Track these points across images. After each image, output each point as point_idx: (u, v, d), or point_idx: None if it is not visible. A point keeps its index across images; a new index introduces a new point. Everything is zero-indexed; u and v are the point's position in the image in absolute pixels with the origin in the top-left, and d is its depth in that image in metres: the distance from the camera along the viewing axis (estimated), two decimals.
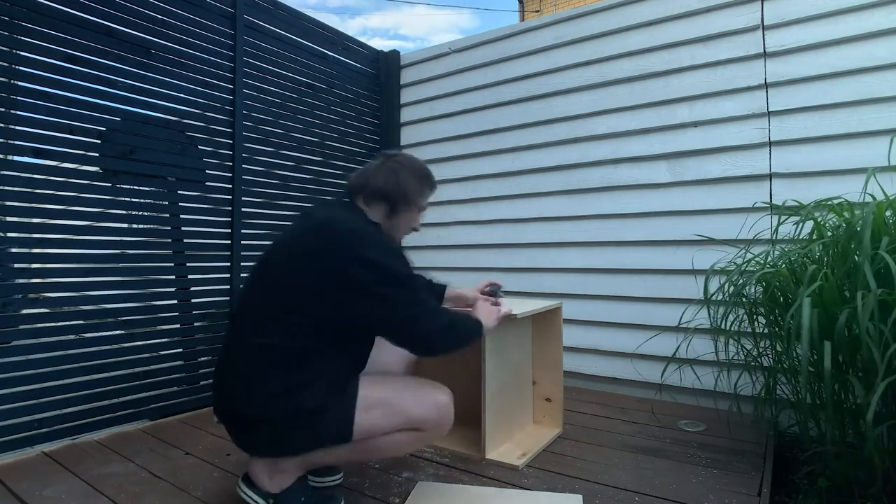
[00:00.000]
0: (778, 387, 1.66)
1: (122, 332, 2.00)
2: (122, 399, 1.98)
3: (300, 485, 1.29)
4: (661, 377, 2.02)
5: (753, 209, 2.14)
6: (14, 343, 1.74)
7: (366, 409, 1.23)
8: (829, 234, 1.55)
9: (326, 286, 1.19)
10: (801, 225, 1.72)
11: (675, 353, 1.97)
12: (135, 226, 2.07)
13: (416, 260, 3.25)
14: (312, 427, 1.20)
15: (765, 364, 1.71)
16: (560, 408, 1.93)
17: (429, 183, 1.45)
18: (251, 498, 1.25)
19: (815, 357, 1.33)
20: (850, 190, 1.72)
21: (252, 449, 1.27)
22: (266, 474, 1.26)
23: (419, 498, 1.40)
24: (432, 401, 1.29)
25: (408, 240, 3.43)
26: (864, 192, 1.51)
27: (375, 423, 1.23)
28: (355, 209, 1.37)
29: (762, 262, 1.71)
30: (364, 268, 1.18)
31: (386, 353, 1.47)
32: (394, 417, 1.24)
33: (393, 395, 1.27)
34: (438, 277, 3.23)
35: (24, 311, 1.78)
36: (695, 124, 2.34)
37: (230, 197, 2.36)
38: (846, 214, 1.50)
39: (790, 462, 1.74)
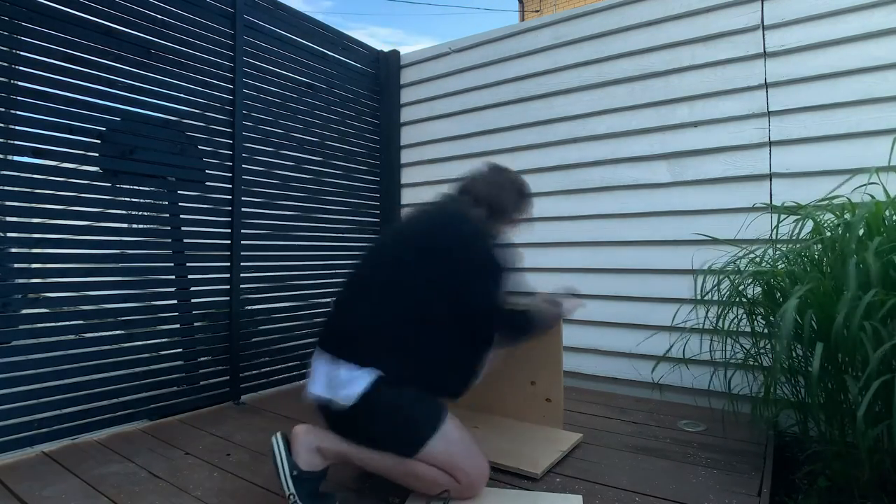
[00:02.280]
0: (777, 386, 1.66)
1: (122, 332, 2.00)
2: (122, 399, 1.98)
3: (321, 474, 1.32)
4: (652, 373, 2.02)
5: (753, 209, 2.14)
6: (14, 343, 1.74)
7: (439, 438, 1.29)
8: (828, 233, 1.55)
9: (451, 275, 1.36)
10: (800, 225, 1.72)
11: (667, 352, 1.97)
12: (135, 226, 2.06)
13: None
14: (393, 425, 1.29)
15: (764, 364, 1.71)
16: (560, 408, 1.93)
17: (527, 200, 1.66)
18: (280, 457, 1.28)
19: (811, 357, 1.33)
20: (850, 190, 1.72)
21: (333, 421, 1.33)
22: (305, 449, 1.30)
23: (419, 498, 1.40)
24: (480, 464, 1.37)
25: None
26: (864, 191, 1.51)
27: (434, 455, 1.29)
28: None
29: (761, 261, 1.71)
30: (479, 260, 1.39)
31: None
32: (448, 458, 1.30)
33: (457, 440, 1.34)
34: None
35: (24, 311, 1.78)
36: (695, 124, 2.34)
37: (230, 197, 2.36)
38: (847, 215, 1.50)
39: (790, 462, 1.74)
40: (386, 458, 1.30)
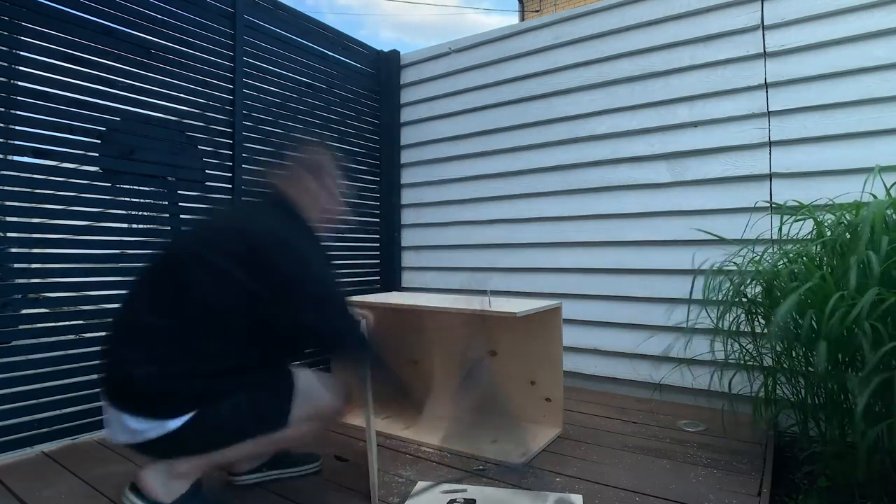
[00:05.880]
0: (778, 386, 1.66)
1: None
2: None
3: (195, 490, 1.24)
4: (659, 377, 2.02)
5: (754, 209, 2.14)
6: (14, 343, 1.74)
7: (298, 399, 1.25)
8: (829, 233, 1.55)
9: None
10: (801, 224, 1.72)
11: (668, 353, 1.97)
12: (135, 226, 2.06)
13: (417, 260, 3.25)
14: (249, 416, 1.18)
15: (764, 364, 1.71)
16: (560, 408, 1.93)
17: (332, 172, 1.46)
18: None
19: (813, 357, 1.33)
20: (850, 190, 1.72)
21: (162, 451, 1.19)
22: (160, 481, 1.19)
23: (419, 498, 1.40)
24: (339, 392, 1.34)
25: (406, 239, 3.43)
26: (868, 191, 1.51)
27: (301, 414, 1.25)
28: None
29: (761, 261, 1.71)
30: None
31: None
32: (314, 409, 1.26)
33: (311, 388, 1.29)
34: (437, 277, 3.21)
35: (24, 311, 1.78)
36: (695, 124, 2.34)
37: (230, 197, 2.36)
38: (848, 216, 1.50)
39: (790, 462, 1.74)
40: (249, 443, 1.23)
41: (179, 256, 1.25)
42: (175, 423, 1.12)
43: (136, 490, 1.19)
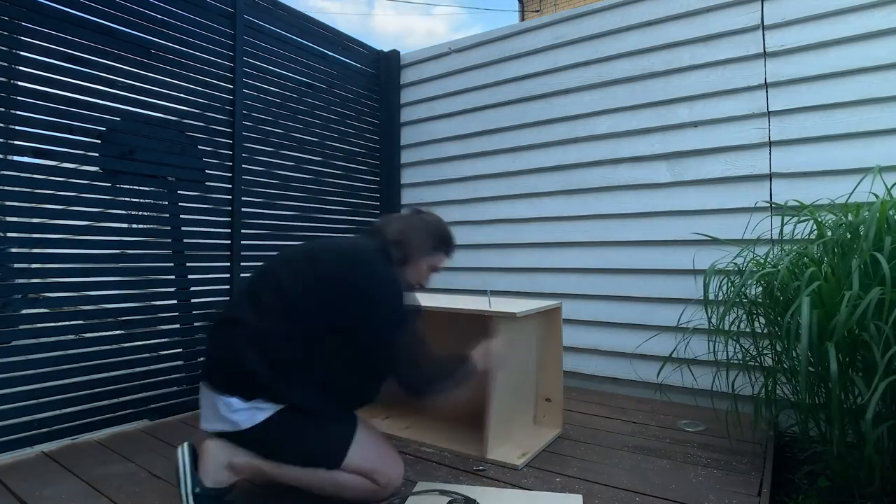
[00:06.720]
0: (778, 387, 1.66)
1: (122, 332, 2.00)
2: (122, 399, 1.98)
3: (227, 490, 1.29)
4: (658, 376, 2.02)
5: (754, 209, 2.14)
6: (14, 343, 1.74)
7: (356, 446, 1.31)
8: (830, 233, 1.55)
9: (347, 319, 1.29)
10: (805, 225, 1.72)
11: (672, 353, 1.97)
12: (135, 226, 2.06)
13: None
14: (309, 443, 1.27)
15: (765, 364, 1.71)
16: (560, 408, 1.93)
17: (444, 248, 1.53)
18: (183, 471, 1.24)
19: (815, 358, 1.33)
20: (849, 190, 1.72)
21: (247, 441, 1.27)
22: (214, 465, 1.26)
23: (419, 498, 1.40)
24: (396, 464, 1.39)
25: None
26: (868, 191, 1.51)
27: (355, 463, 1.30)
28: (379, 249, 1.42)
29: (762, 262, 1.71)
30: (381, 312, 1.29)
31: None
32: (368, 463, 1.31)
33: (366, 441, 1.34)
34: (437, 277, 3.21)
35: (24, 311, 1.78)
36: (695, 124, 2.34)
37: (230, 197, 2.36)
38: (850, 216, 1.50)
39: (790, 462, 1.74)
40: (305, 471, 1.29)
41: (288, 269, 1.35)
42: (261, 416, 1.23)
43: (194, 455, 1.28)
